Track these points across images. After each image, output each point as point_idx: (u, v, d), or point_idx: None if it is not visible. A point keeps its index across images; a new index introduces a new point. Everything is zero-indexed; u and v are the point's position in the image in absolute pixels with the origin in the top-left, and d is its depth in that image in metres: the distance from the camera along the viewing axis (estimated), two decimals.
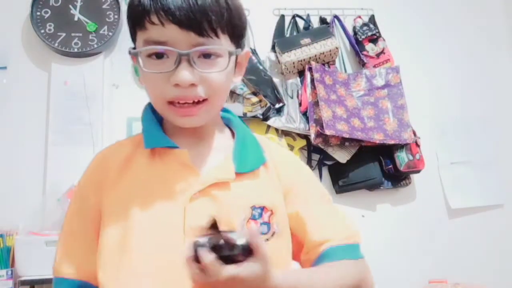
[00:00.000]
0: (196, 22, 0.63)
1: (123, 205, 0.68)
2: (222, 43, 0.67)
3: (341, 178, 1.79)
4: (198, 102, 0.68)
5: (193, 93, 0.66)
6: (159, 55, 0.66)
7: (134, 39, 0.70)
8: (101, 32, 1.80)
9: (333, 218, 0.75)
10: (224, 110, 0.80)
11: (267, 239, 0.67)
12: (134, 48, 0.70)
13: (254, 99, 1.71)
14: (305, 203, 0.73)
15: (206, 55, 0.66)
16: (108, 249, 0.67)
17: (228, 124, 0.80)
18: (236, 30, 0.70)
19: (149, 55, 0.67)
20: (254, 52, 1.79)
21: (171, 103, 0.68)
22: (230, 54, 0.68)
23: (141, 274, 0.63)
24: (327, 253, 0.69)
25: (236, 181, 0.69)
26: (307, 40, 1.80)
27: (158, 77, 0.66)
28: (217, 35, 0.66)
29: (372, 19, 1.97)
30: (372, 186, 1.80)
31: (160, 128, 0.74)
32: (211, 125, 0.76)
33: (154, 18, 0.64)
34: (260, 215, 0.68)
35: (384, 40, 1.91)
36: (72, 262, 0.71)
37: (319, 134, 1.70)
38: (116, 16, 1.82)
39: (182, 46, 0.64)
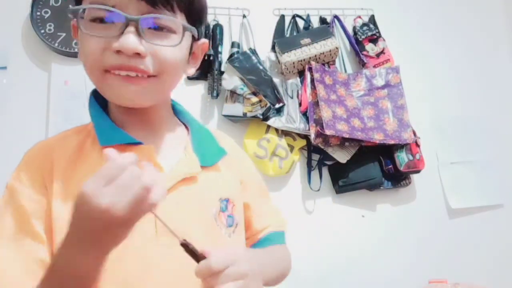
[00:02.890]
0: None
1: None
2: (177, 19, 0.60)
3: (341, 178, 1.78)
4: (143, 78, 0.59)
5: (139, 64, 0.57)
6: (104, 21, 0.57)
7: (79, 3, 0.61)
8: None
9: (271, 209, 0.85)
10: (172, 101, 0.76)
11: (233, 232, 0.68)
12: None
13: (254, 99, 1.71)
14: (251, 196, 0.78)
15: (158, 29, 0.59)
16: None
17: (177, 115, 0.76)
18: (193, 10, 0.63)
19: (93, 20, 0.58)
20: (254, 52, 1.79)
21: (108, 72, 0.58)
22: (185, 29, 0.60)
23: (110, 283, 0.55)
24: (268, 237, 0.79)
25: (202, 174, 0.66)
26: (307, 40, 1.79)
27: (97, 42, 0.57)
28: (172, 9, 0.59)
29: (372, 19, 1.97)
30: (372, 186, 1.80)
31: (111, 120, 0.66)
32: (163, 115, 0.70)
33: None
34: (226, 207, 0.68)
35: (384, 40, 1.91)
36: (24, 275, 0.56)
37: (319, 134, 1.70)
38: None
39: (131, 13, 0.57)
